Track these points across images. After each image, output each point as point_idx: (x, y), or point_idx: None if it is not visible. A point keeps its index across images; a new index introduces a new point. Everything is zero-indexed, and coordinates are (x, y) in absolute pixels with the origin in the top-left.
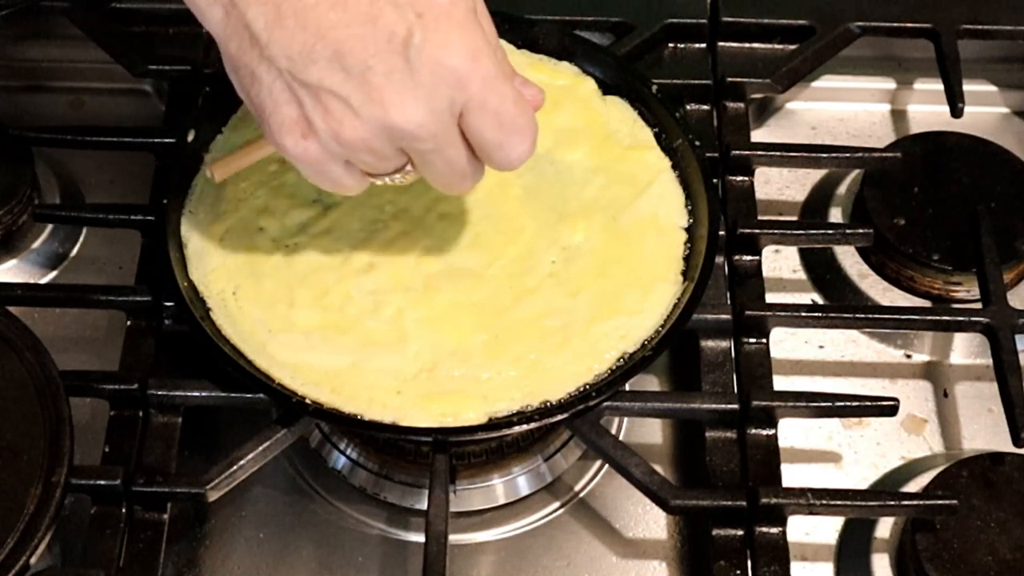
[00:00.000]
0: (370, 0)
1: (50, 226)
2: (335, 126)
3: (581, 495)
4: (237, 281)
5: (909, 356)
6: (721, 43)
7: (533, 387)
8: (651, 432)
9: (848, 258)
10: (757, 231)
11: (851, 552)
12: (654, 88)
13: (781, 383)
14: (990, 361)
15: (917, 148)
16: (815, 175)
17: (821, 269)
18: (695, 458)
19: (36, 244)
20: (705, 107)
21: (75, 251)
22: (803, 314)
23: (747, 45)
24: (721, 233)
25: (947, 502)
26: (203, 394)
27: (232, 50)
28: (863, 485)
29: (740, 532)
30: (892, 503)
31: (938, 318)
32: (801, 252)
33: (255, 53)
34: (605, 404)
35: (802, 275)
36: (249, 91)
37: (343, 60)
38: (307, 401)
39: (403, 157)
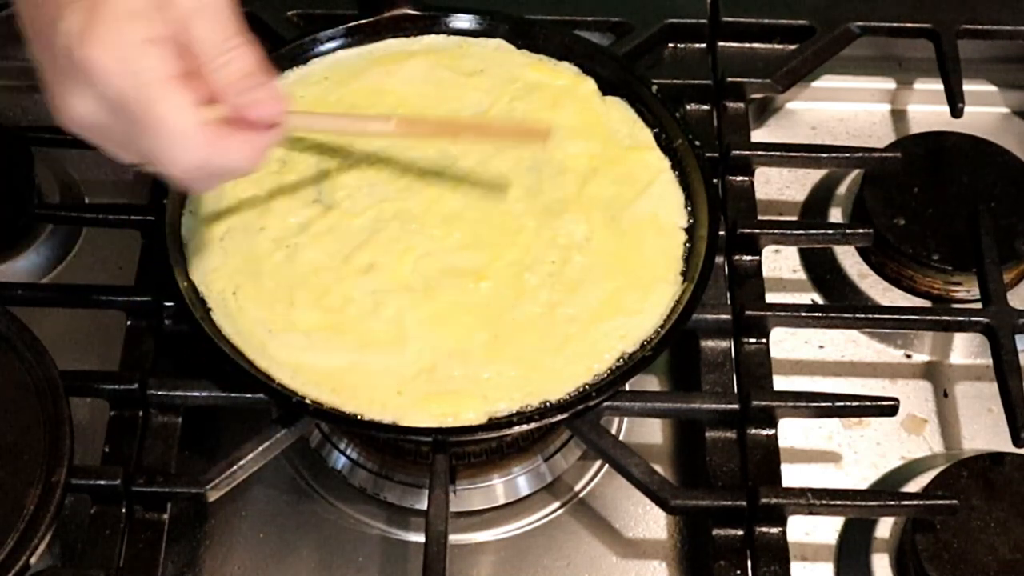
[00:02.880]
0: None
1: (50, 226)
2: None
3: (581, 495)
4: (237, 281)
5: (909, 356)
6: (721, 43)
7: (533, 387)
8: (651, 432)
9: (848, 258)
10: (757, 231)
11: (851, 552)
12: (654, 88)
13: (781, 383)
14: (990, 361)
15: (917, 148)
16: (815, 175)
17: (821, 269)
18: (695, 458)
19: (36, 244)
20: (705, 107)
21: (75, 251)
22: (803, 314)
23: (747, 45)
24: (721, 233)
25: (947, 502)
26: (203, 394)
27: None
28: (863, 485)
29: (740, 532)
30: (892, 503)
31: (938, 318)
32: (801, 252)
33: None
34: (605, 404)
35: (802, 275)
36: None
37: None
38: (307, 401)
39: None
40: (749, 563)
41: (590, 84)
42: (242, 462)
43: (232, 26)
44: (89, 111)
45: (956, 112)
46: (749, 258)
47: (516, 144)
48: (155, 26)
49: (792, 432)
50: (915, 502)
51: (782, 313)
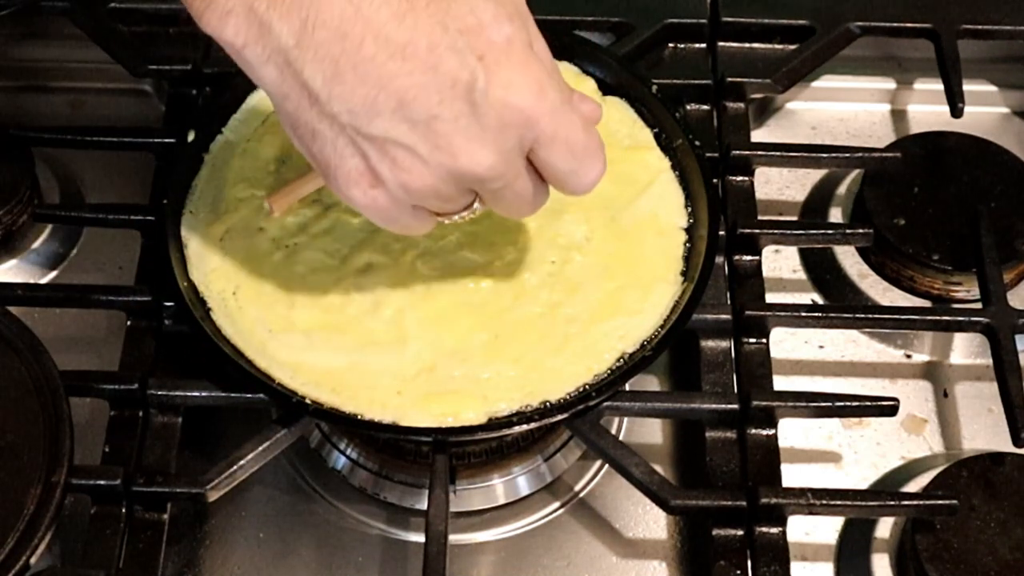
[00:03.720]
0: (429, 47)
1: (50, 226)
2: (403, 176)
3: (581, 495)
4: (237, 281)
5: (909, 356)
6: (721, 43)
7: (533, 387)
8: (651, 432)
9: (848, 258)
10: (757, 231)
11: (851, 552)
12: (654, 88)
13: (781, 383)
14: (990, 361)
15: (917, 148)
16: (815, 175)
17: (821, 269)
18: (695, 458)
19: (36, 244)
20: (705, 107)
21: (75, 251)
22: (803, 314)
23: (747, 45)
24: (721, 233)
25: (947, 502)
26: (203, 394)
27: (290, 108)
28: (863, 485)
29: (740, 532)
30: (892, 503)
31: (938, 318)
32: (801, 252)
33: (315, 111)
34: (605, 404)
35: (802, 275)
36: (311, 147)
37: (407, 110)
38: (307, 401)
39: (471, 195)
40: (749, 563)
41: (590, 84)
42: (242, 462)
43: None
44: (499, 152)
45: (956, 112)
46: (749, 258)
47: None
48: (540, 63)
49: (792, 432)
50: (915, 502)
51: (782, 313)
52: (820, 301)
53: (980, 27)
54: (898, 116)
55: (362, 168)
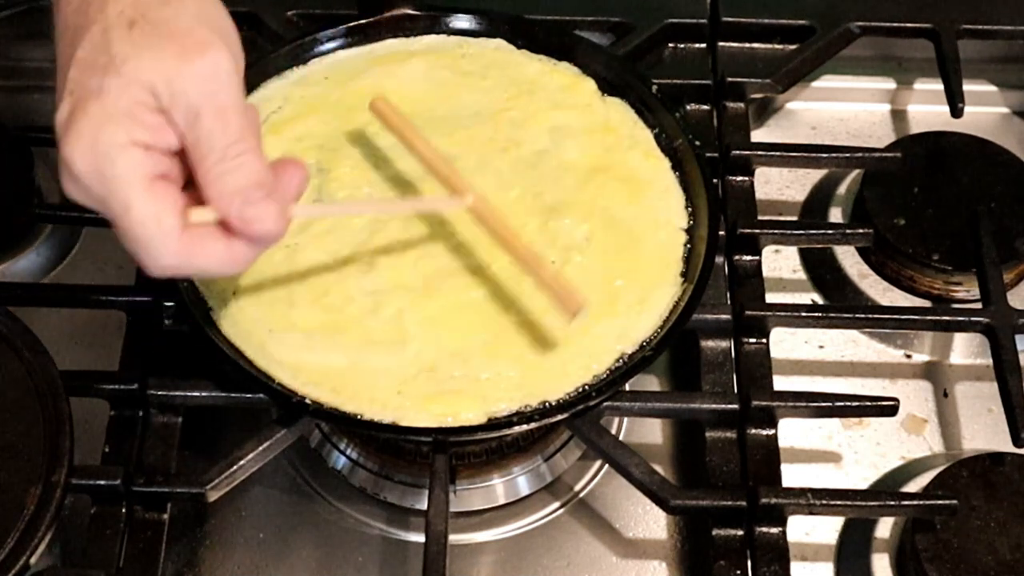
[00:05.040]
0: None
1: (50, 226)
2: None
3: (581, 495)
4: (237, 281)
5: (909, 356)
6: (721, 43)
7: (532, 387)
8: (651, 432)
9: (848, 258)
10: (757, 231)
11: (851, 552)
12: (654, 88)
13: (781, 383)
14: (990, 361)
15: (917, 148)
16: (815, 175)
17: (821, 269)
18: (695, 458)
19: (36, 244)
20: (705, 107)
21: (75, 251)
22: (803, 314)
23: (747, 45)
24: (721, 233)
25: (947, 502)
26: (203, 394)
27: None
28: (863, 485)
29: (740, 532)
30: (892, 503)
31: (938, 318)
32: (801, 252)
33: None
34: (605, 404)
35: (802, 275)
36: None
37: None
38: (307, 401)
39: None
40: (749, 563)
41: (590, 84)
42: (242, 462)
43: (242, 130)
44: (80, 197)
45: (956, 112)
46: (749, 258)
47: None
48: (135, 129)
49: (792, 432)
50: (915, 502)
51: (782, 313)
52: (820, 301)
53: (980, 27)
54: (898, 116)
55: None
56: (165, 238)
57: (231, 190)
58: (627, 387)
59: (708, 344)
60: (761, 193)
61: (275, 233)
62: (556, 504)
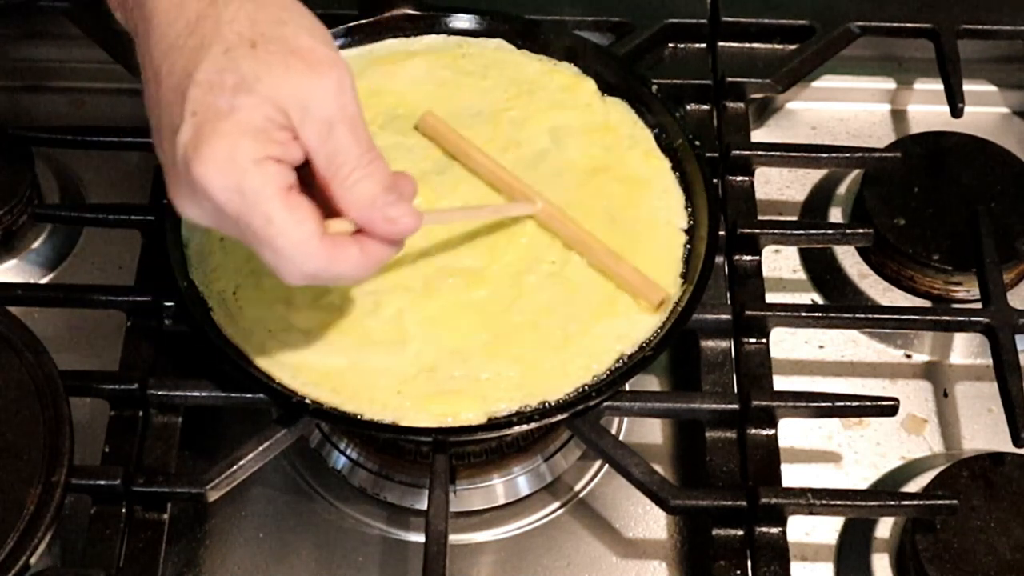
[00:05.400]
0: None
1: (50, 226)
2: None
3: (581, 495)
4: (237, 281)
5: (909, 356)
6: (721, 43)
7: (532, 387)
8: (651, 432)
9: (848, 258)
10: (757, 231)
11: (851, 552)
12: (654, 88)
13: (781, 383)
14: (990, 361)
15: (917, 148)
16: (815, 175)
17: (821, 269)
18: (695, 458)
19: (36, 244)
20: (705, 107)
21: (75, 251)
22: (803, 314)
23: (747, 45)
24: (721, 233)
25: (947, 502)
26: (203, 394)
27: None
28: (863, 485)
29: (740, 532)
30: (892, 503)
31: (938, 318)
32: (801, 252)
33: None
34: (605, 404)
35: (802, 275)
36: None
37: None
38: (307, 401)
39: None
40: (749, 563)
41: (590, 84)
42: (242, 462)
43: (368, 139)
44: (205, 218)
45: (956, 112)
46: (749, 258)
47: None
48: (269, 145)
49: (792, 432)
50: (915, 502)
51: (782, 313)
52: (820, 301)
53: (980, 27)
54: (898, 116)
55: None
56: (307, 245)
57: (370, 195)
58: (627, 387)
59: (708, 344)
60: (761, 193)
61: (414, 230)
62: (556, 504)
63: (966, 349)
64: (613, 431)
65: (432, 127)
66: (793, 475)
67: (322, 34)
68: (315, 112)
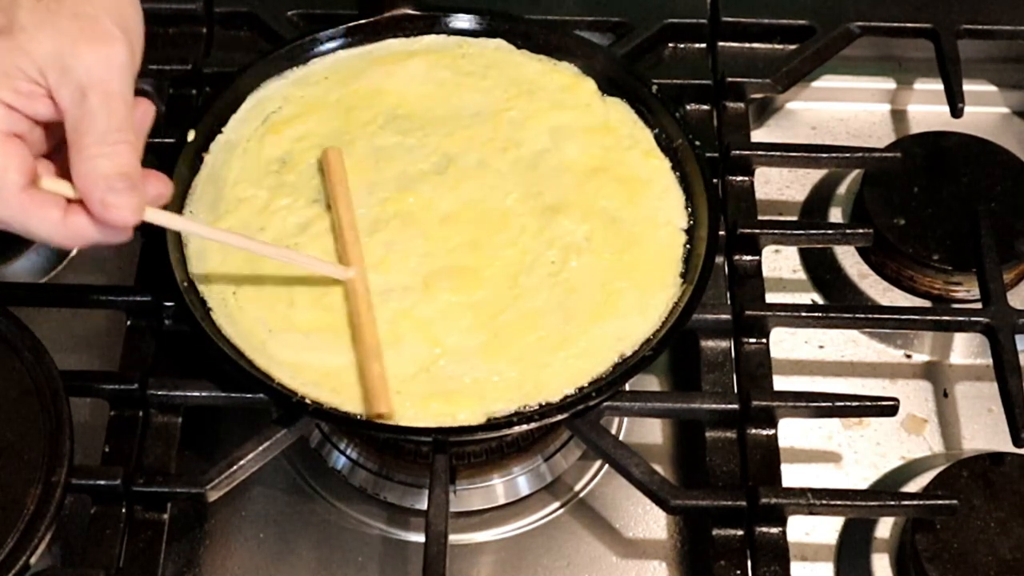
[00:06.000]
0: None
1: None
2: None
3: (581, 495)
4: (237, 281)
5: (909, 356)
6: (721, 43)
7: (532, 387)
8: (651, 432)
9: (848, 258)
10: (757, 231)
11: (851, 552)
12: (654, 88)
13: (781, 383)
14: (990, 361)
15: (917, 148)
16: (815, 175)
17: (821, 269)
18: (695, 458)
19: (36, 244)
20: (705, 107)
21: (75, 251)
22: (803, 314)
23: (747, 45)
24: (721, 233)
25: (947, 502)
26: (203, 394)
27: None
28: (863, 485)
29: (740, 532)
30: (892, 503)
31: (938, 318)
32: (801, 252)
33: None
34: (605, 404)
35: (802, 275)
36: None
37: None
38: (307, 401)
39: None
40: (749, 563)
41: (590, 84)
42: (242, 462)
43: (124, 120)
44: None
45: (956, 112)
46: (749, 258)
47: None
48: (5, 89)
49: (792, 432)
50: (915, 502)
51: (782, 313)
52: (820, 301)
53: (980, 27)
54: (898, 116)
55: None
56: (3, 190)
57: (101, 173)
58: (627, 387)
59: (708, 344)
60: (761, 193)
61: (128, 225)
62: (556, 504)
63: (966, 349)
64: (613, 431)
65: (328, 162)
66: (793, 475)
67: (121, 14)
68: (72, 76)
